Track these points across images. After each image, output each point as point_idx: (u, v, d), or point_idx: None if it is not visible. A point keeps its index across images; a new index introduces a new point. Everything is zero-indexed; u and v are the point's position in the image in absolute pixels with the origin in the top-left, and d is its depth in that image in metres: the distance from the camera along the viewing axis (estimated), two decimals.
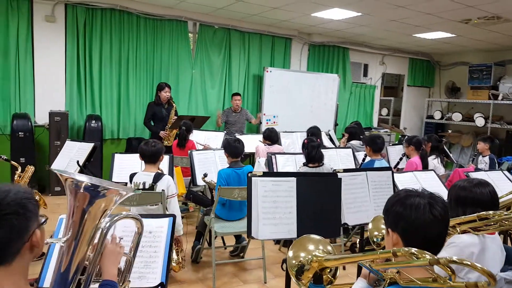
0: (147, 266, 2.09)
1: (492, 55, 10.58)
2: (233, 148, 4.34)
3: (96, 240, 1.67)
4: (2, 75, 6.58)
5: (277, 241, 5.13)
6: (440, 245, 1.64)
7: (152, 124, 7.08)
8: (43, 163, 6.52)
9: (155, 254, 2.11)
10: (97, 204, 1.60)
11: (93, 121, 6.91)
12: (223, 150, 4.52)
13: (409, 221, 1.59)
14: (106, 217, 1.69)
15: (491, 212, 2.21)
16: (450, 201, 2.41)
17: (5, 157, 4.19)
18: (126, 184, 3.78)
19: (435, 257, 1.36)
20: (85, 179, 1.63)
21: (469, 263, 1.34)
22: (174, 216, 2.22)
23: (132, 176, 3.71)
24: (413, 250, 1.42)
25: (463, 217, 2.25)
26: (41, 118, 6.83)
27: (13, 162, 4.18)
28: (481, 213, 2.20)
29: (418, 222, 1.58)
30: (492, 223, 2.22)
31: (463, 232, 2.26)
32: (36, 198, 3.90)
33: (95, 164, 6.69)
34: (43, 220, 1.41)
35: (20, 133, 6.21)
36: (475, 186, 2.38)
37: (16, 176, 3.98)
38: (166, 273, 2.11)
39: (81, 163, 4.32)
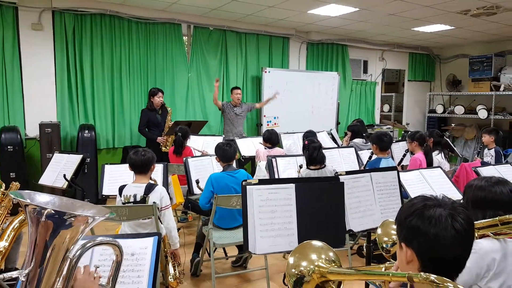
0: None
1: (492, 46, 10.46)
2: (222, 152, 4.22)
3: (65, 272, 1.45)
4: None
5: None
6: (461, 269, 1.38)
7: (147, 131, 6.88)
8: (35, 177, 6.28)
9: (138, 279, 1.87)
10: (62, 234, 1.39)
11: (86, 131, 6.63)
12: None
13: (427, 238, 1.32)
14: (76, 244, 1.47)
15: None
16: (467, 203, 2.18)
17: None
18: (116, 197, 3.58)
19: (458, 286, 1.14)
20: (49, 205, 1.42)
21: None
22: (159, 235, 1.99)
23: (121, 188, 3.49)
24: (432, 277, 1.18)
25: (483, 221, 2.01)
26: (32, 130, 6.59)
27: None
28: (503, 217, 1.96)
29: (438, 238, 1.31)
30: None
31: (482, 236, 2.03)
32: (22, 217, 3.70)
33: (90, 176, 6.50)
34: None
35: (9, 147, 5.98)
36: (494, 185, 2.14)
37: None
38: None
39: (68, 177, 4.10)
